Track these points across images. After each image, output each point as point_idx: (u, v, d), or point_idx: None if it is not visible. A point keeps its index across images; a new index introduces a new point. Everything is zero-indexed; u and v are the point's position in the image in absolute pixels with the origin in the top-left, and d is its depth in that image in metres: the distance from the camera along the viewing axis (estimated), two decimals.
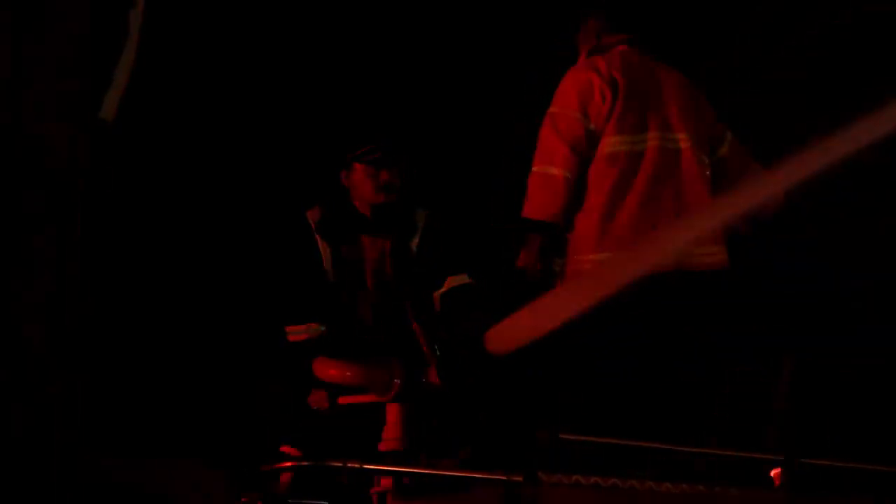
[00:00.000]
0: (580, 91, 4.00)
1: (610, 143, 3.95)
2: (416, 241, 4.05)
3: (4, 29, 2.34)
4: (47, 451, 2.08)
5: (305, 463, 2.90)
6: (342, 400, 3.63)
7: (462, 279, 4.03)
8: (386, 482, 3.13)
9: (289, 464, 3.12)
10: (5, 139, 2.32)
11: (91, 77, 2.69)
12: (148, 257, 4.07)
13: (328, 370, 3.61)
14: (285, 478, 3.40)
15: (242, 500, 2.98)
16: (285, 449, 3.78)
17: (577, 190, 3.97)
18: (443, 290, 4.02)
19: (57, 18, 2.45)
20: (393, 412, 3.38)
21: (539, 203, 3.96)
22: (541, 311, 3.60)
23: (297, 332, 3.91)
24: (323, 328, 3.90)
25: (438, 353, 3.65)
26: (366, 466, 2.92)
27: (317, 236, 3.99)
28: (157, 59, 2.53)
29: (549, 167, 3.96)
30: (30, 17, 2.37)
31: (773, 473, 2.93)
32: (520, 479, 2.71)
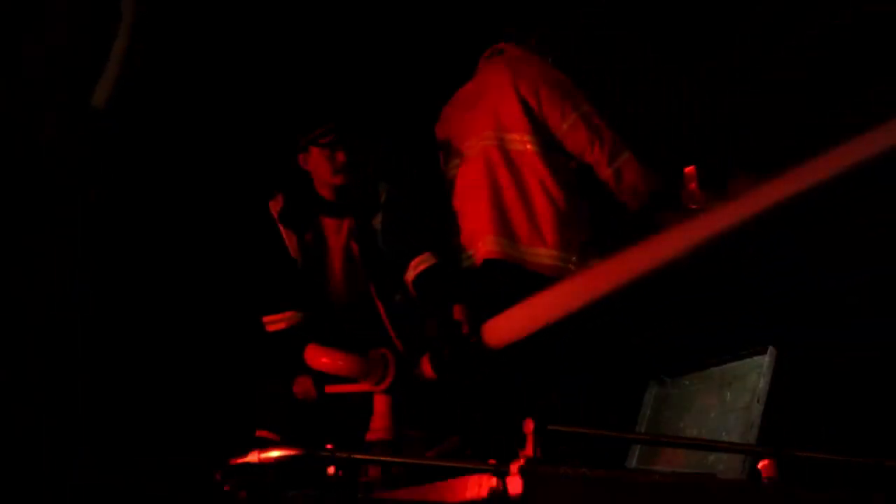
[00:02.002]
0: None
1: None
2: (378, 218, 4.01)
3: (4, 27, 2.36)
4: (45, 451, 2.09)
5: (292, 452, 2.89)
6: (330, 389, 3.62)
7: (427, 259, 3.99)
8: (374, 472, 3.12)
9: (274, 452, 3.11)
10: (4, 138, 2.33)
11: (89, 71, 2.70)
12: (117, 254, 4.05)
13: (320, 358, 3.59)
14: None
15: (225, 488, 2.96)
16: (262, 433, 3.75)
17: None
18: (412, 274, 3.99)
19: (57, 18, 2.47)
20: (381, 402, 3.38)
21: None
22: (537, 307, 3.61)
23: (274, 322, 3.90)
24: (300, 315, 3.87)
25: (406, 344, 3.66)
26: (354, 456, 2.90)
27: (280, 225, 3.96)
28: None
29: None
30: (29, 16, 2.39)
31: (761, 465, 2.91)
32: (507, 469, 2.70)
